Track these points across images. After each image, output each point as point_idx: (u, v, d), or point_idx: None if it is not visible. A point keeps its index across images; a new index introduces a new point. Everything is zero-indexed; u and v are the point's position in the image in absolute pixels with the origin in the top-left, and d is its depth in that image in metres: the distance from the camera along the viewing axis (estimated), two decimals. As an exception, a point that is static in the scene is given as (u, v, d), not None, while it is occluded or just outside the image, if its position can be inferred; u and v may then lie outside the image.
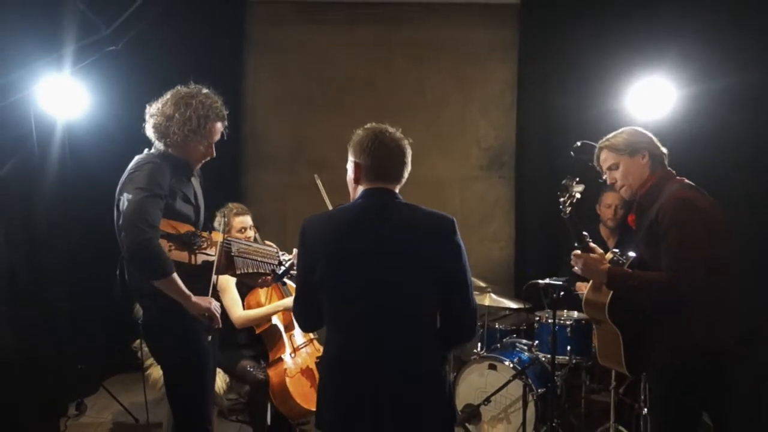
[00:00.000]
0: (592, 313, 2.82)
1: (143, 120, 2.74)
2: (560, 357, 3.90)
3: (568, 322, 3.91)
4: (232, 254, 2.73)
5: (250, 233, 3.70)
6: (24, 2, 3.45)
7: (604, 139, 2.87)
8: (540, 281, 3.38)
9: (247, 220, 3.73)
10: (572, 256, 2.80)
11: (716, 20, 4.16)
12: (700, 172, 4.02)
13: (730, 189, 3.97)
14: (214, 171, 3.11)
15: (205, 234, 2.62)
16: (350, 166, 2.18)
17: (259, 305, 3.75)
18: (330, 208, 3.22)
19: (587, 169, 3.12)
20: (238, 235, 3.57)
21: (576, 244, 2.75)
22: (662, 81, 4.29)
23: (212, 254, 2.62)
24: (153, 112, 2.64)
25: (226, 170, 5.05)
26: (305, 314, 2.21)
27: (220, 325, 2.64)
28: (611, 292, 2.69)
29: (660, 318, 2.62)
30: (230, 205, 3.76)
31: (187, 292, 2.50)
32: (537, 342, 4.05)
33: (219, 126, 2.72)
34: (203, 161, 2.76)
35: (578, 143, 3.21)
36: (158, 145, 2.65)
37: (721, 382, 2.70)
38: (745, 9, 3.95)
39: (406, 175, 2.18)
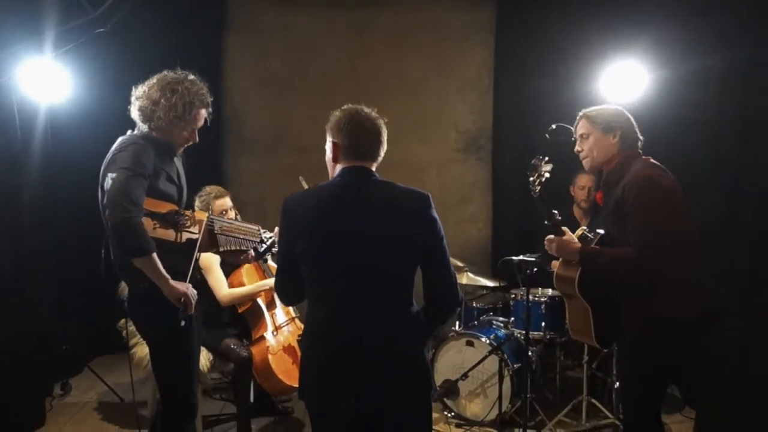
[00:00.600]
0: (563, 288, 2.93)
1: (125, 103, 2.78)
2: (535, 333, 4.03)
3: (542, 299, 4.04)
4: (215, 232, 2.80)
5: (231, 214, 3.77)
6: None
7: (588, 109, 2.96)
8: (514, 258, 3.50)
9: (227, 201, 3.79)
10: (545, 241, 2.91)
11: (687, 5, 4.26)
12: (668, 152, 4.16)
13: (695, 168, 4.10)
14: (194, 155, 3.15)
15: (188, 212, 2.68)
16: (329, 146, 2.25)
17: (241, 285, 3.83)
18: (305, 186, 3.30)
19: (562, 151, 3.20)
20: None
21: (546, 222, 2.85)
22: (635, 64, 4.38)
23: (196, 232, 2.69)
24: (139, 95, 2.69)
25: (207, 154, 5.09)
26: (286, 289, 2.28)
27: (193, 312, 2.66)
28: (580, 267, 2.81)
29: (628, 292, 2.74)
30: (208, 188, 3.81)
31: (165, 274, 2.54)
32: (513, 319, 4.18)
33: (203, 113, 2.78)
34: (186, 145, 2.81)
35: (553, 126, 3.31)
36: (142, 127, 2.69)
37: (688, 354, 2.83)
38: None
39: (382, 153, 2.25)
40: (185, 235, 2.66)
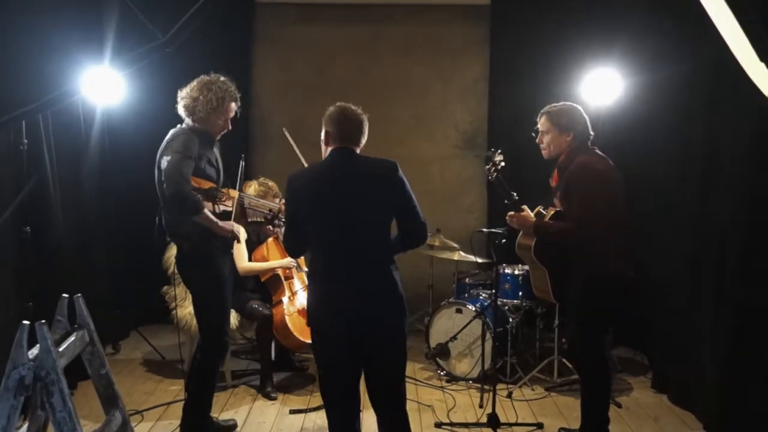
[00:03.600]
0: (524, 255, 3.61)
1: (166, 104, 3.51)
2: (514, 301, 4.72)
3: (519, 272, 4.71)
4: (245, 206, 3.55)
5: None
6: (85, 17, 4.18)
7: (548, 107, 3.57)
8: (484, 230, 4.16)
9: (277, 201, 4.50)
10: (507, 217, 3.58)
11: (657, 18, 4.74)
12: (637, 146, 4.74)
13: (662, 161, 4.68)
14: (227, 150, 3.84)
15: (224, 190, 3.43)
16: (323, 134, 2.88)
17: (263, 258, 4.57)
18: (300, 156, 4.01)
19: None
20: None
21: (506, 201, 3.52)
22: (611, 72, 4.93)
23: (229, 206, 3.44)
24: (183, 95, 3.43)
25: (238, 150, 5.78)
26: (293, 244, 2.92)
27: (241, 241, 3.52)
28: (535, 237, 3.49)
29: (572, 256, 3.41)
30: (270, 183, 4.53)
31: (216, 220, 3.31)
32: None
33: (233, 105, 3.50)
34: (222, 133, 3.53)
35: (538, 126, 3.93)
36: (187, 121, 3.43)
37: (622, 302, 3.48)
38: (682, 5, 4.56)
39: (363, 141, 2.87)
40: (221, 207, 3.40)
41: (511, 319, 4.73)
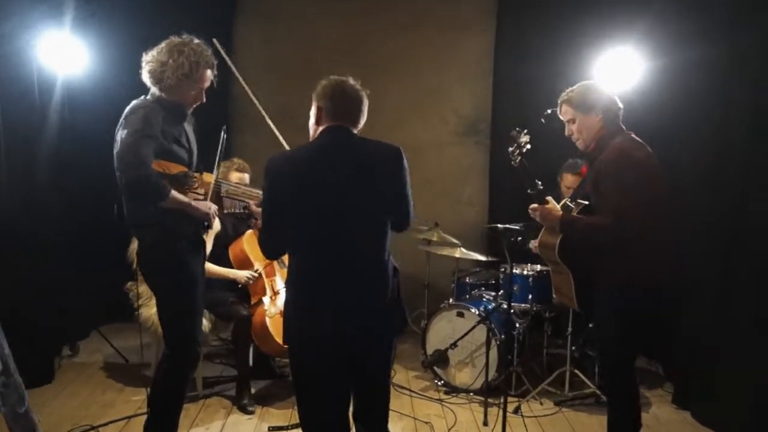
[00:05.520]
0: (546, 254, 3.11)
1: (137, 75, 2.95)
2: (523, 305, 4.22)
3: (530, 273, 4.23)
4: (222, 195, 3.00)
5: None
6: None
7: (564, 93, 3.08)
8: (499, 225, 3.66)
9: (245, 178, 4.01)
10: (530, 209, 3.08)
11: None
12: (660, 138, 4.23)
13: (686, 154, 4.21)
14: (203, 130, 3.27)
15: (196, 175, 2.87)
16: (313, 111, 2.42)
17: (241, 251, 4.07)
18: (283, 142, 3.49)
19: (557, 136, 3.32)
20: None
21: (528, 191, 3.02)
22: (631, 52, 4.46)
23: (202, 194, 2.89)
24: (149, 59, 2.86)
25: (215, 130, 5.24)
26: (271, 242, 2.43)
27: (212, 226, 2.95)
28: (561, 235, 2.99)
29: (601, 258, 2.91)
30: (235, 160, 4.07)
31: (187, 200, 2.79)
32: (501, 292, 4.34)
33: (209, 73, 2.94)
34: (195, 105, 2.97)
35: (549, 111, 3.42)
36: (154, 90, 2.86)
37: (657, 312, 3.00)
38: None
39: (362, 121, 2.42)
40: (192, 196, 2.84)
41: (518, 325, 4.25)
